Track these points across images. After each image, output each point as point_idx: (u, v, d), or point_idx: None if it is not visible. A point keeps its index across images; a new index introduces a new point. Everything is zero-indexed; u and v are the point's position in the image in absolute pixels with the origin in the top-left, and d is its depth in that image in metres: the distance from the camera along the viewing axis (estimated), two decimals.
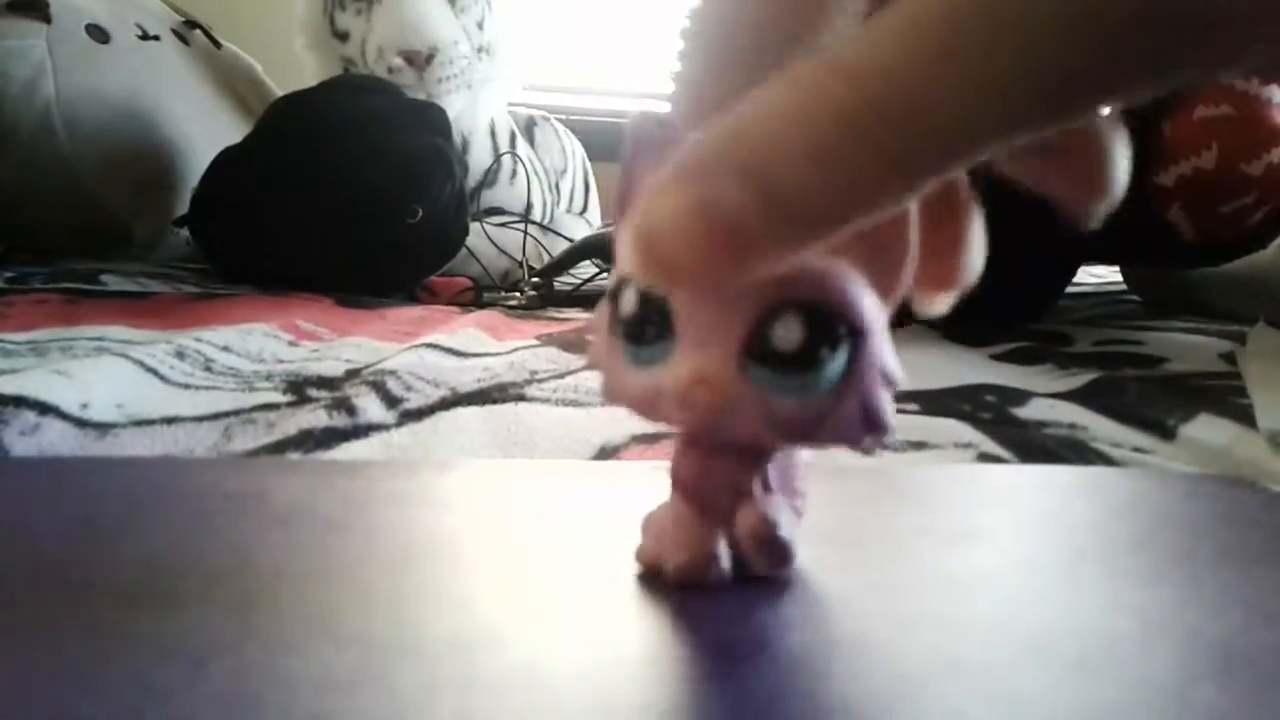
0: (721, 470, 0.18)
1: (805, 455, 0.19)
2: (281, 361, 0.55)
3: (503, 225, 1.16)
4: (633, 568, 0.19)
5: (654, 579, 0.18)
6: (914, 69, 0.12)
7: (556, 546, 0.20)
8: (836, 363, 0.16)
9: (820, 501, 0.24)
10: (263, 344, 0.58)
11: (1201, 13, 0.12)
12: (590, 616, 0.17)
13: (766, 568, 0.18)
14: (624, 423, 0.37)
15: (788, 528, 0.18)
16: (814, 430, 0.16)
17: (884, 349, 0.17)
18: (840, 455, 0.36)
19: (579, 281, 1.05)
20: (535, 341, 0.62)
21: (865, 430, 0.17)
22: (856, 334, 0.16)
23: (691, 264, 0.14)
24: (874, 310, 0.16)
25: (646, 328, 0.16)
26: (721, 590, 0.18)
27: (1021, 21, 0.12)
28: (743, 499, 0.18)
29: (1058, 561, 0.21)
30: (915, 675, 0.15)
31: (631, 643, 0.16)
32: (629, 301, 0.17)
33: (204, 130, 1.10)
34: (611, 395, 0.18)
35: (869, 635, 0.16)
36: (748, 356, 0.16)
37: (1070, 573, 0.20)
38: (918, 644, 0.16)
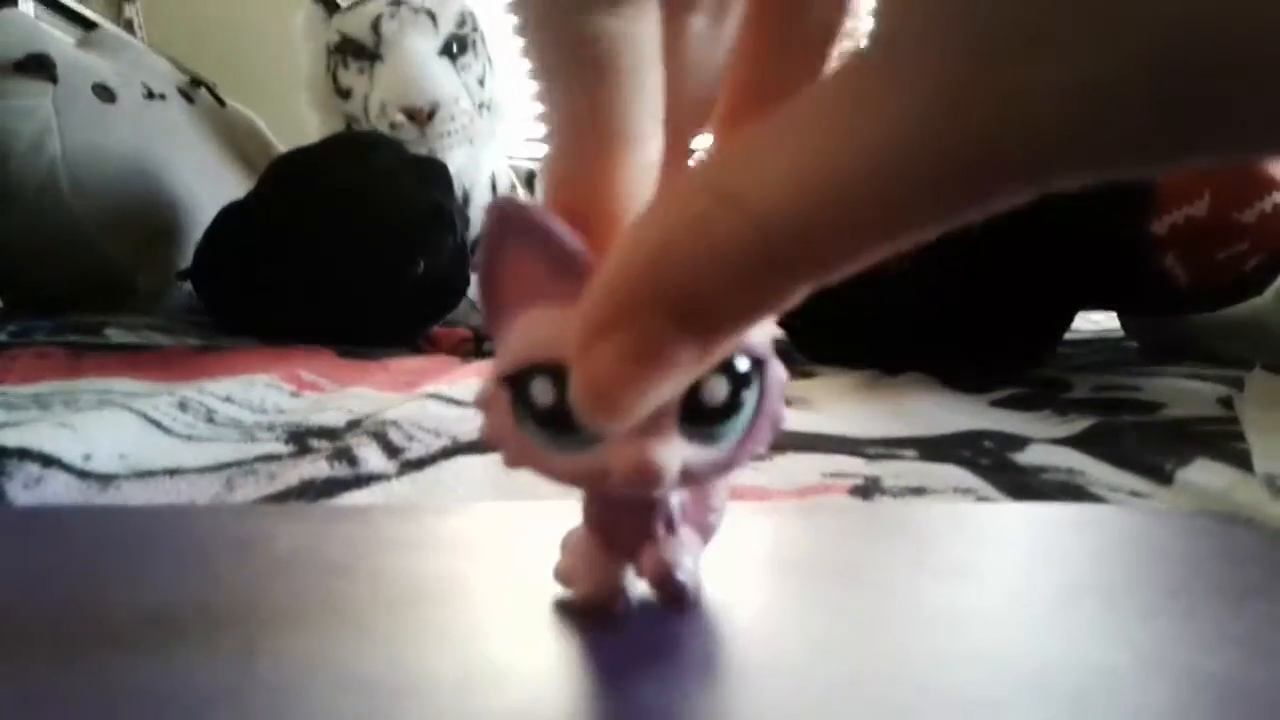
0: (627, 512, 0.18)
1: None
2: (283, 412, 0.55)
3: None
4: (631, 609, 0.19)
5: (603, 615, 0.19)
6: (808, 203, 0.13)
7: (555, 588, 0.20)
8: (753, 396, 0.17)
9: (815, 536, 0.24)
10: (265, 395, 0.58)
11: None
12: (591, 657, 0.17)
13: (669, 606, 0.19)
14: None
15: (688, 568, 0.19)
16: (741, 458, 0.17)
17: (776, 362, 0.18)
18: (837, 496, 0.36)
19: None
20: None
21: (772, 435, 0.18)
22: (760, 364, 0.17)
23: (638, 399, 0.15)
24: (759, 332, 0.17)
25: (569, 416, 0.16)
26: (713, 629, 0.18)
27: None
28: (644, 539, 0.18)
29: (1054, 597, 0.21)
30: (910, 711, 0.15)
31: (633, 684, 0.16)
32: (544, 392, 0.17)
33: (208, 186, 1.11)
34: (541, 474, 0.18)
35: (863, 671, 0.16)
36: (682, 420, 0.17)
37: (1066, 608, 0.20)
38: (912, 680, 0.16)
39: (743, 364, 0.17)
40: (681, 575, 0.18)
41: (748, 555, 0.23)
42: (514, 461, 0.18)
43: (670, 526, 0.19)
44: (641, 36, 0.16)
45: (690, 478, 0.17)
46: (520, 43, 0.17)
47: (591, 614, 0.19)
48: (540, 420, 0.17)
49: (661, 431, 0.16)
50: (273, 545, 0.23)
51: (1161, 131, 0.11)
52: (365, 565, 0.21)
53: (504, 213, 0.17)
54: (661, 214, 0.14)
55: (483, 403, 0.18)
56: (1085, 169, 0.12)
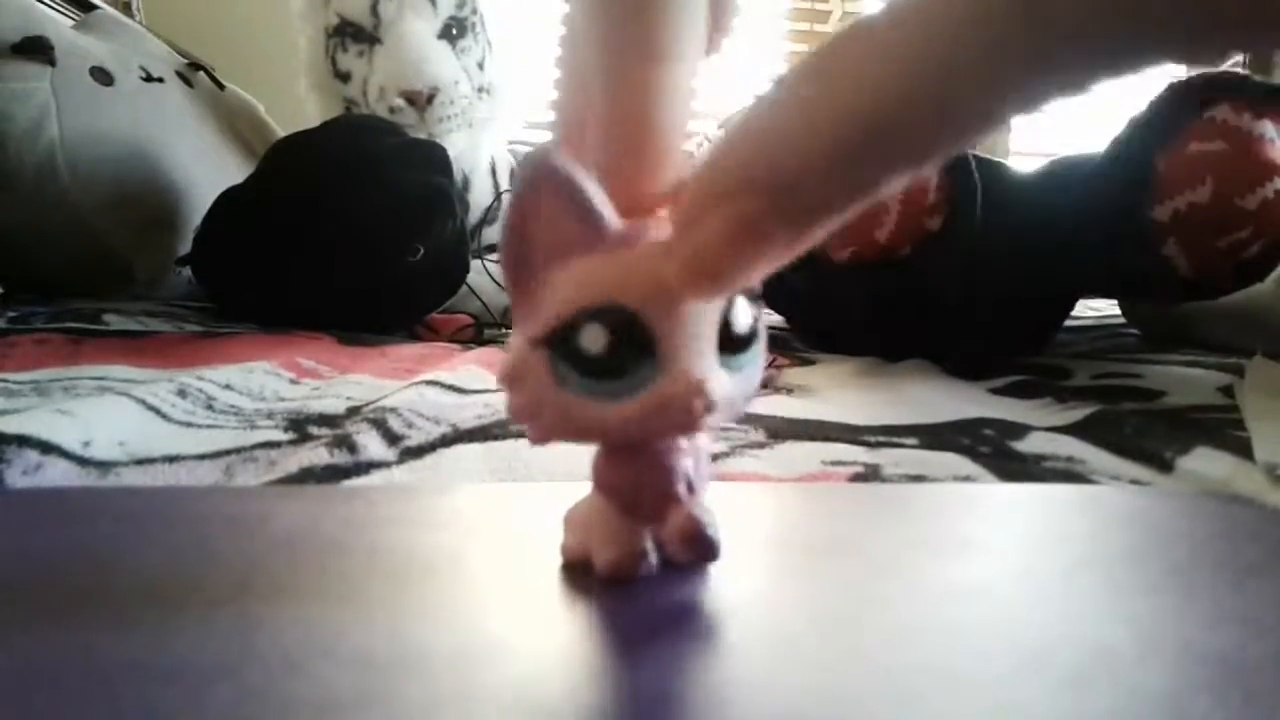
0: (649, 474, 0.19)
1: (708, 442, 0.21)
2: (283, 399, 0.55)
3: None
4: (634, 584, 0.19)
5: (586, 574, 0.19)
6: (904, 89, 0.14)
7: (555, 564, 0.20)
8: (760, 340, 0.18)
9: (817, 514, 0.24)
10: (264, 382, 0.58)
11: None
12: (590, 632, 0.17)
13: (695, 561, 0.19)
14: None
15: (715, 524, 0.19)
16: (751, 394, 0.19)
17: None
18: (838, 484, 0.36)
19: None
20: None
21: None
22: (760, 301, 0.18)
23: (737, 274, 0.16)
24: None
25: (623, 360, 0.17)
26: (715, 605, 0.18)
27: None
28: (670, 500, 0.19)
29: (1054, 574, 0.21)
30: (911, 687, 0.15)
31: (632, 659, 0.16)
32: (596, 339, 0.17)
33: (207, 170, 1.11)
34: (563, 433, 0.18)
35: (862, 647, 0.17)
36: (719, 353, 0.18)
37: (1067, 585, 0.20)
38: (913, 656, 0.16)
39: (750, 302, 0.18)
40: (711, 530, 0.19)
41: (749, 533, 0.23)
42: (549, 431, 0.18)
43: (690, 488, 0.19)
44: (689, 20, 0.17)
45: (728, 408, 0.18)
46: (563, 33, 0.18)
47: (616, 579, 0.19)
48: (589, 371, 0.17)
49: (707, 360, 0.17)
50: (270, 524, 0.23)
51: None
52: (363, 542, 0.21)
53: (539, 167, 0.17)
54: (766, 102, 0.16)
55: (512, 375, 0.18)
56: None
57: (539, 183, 0.17)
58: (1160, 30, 0.12)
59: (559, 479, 0.37)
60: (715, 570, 0.20)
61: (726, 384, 0.18)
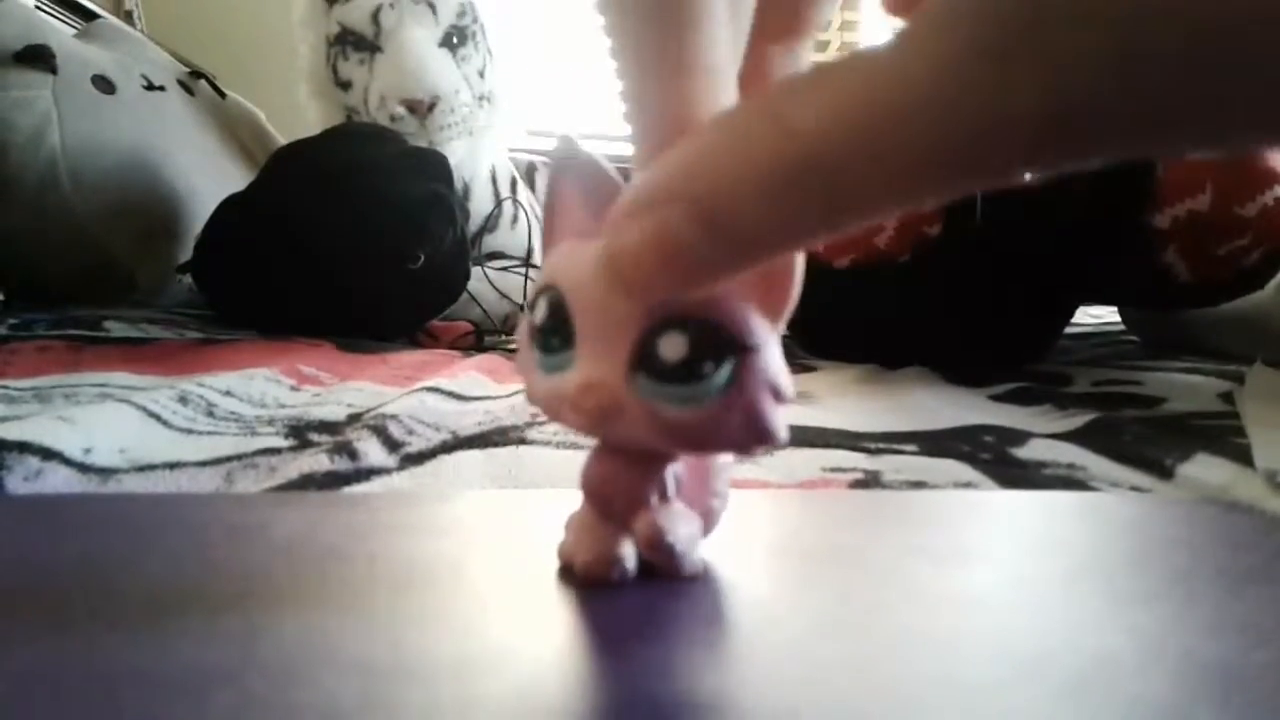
0: (622, 478, 0.19)
1: (726, 459, 0.21)
2: (283, 406, 0.55)
3: (504, 270, 1.16)
4: (627, 587, 0.19)
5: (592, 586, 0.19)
6: (843, 136, 0.14)
7: (555, 570, 0.20)
8: (720, 375, 0.17)
9: (817, 521, 0.24)
10: (265, 389, 0.58)
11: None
12: (590, 640, 0.17)
13: (664, 569, 0.19)
14: None
15: (680, 535, 0.19)
16: (699, 437, 0.18)
17: (772, 364, 0.18)
18: (838, 489, 0.36)
19: None
20: None
21: (752, 439, 0.18)
22: (741, 349, 0.17)
23: (650, 282, 0.16)
24: (760, 328, 0.18)
25: (552, 337, 0.18)
26: (714, 613, 0.18)
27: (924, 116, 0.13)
28: (639, 505, 0.19)
29: (1054, 582, 0.21)
30: (909, 695, 0.15)
31: (632, 666, 0.16)
32: (541, 311, 0.18)
33: (208, 178, 1.11)
34: (529, 398, 0.19)
35: (863, 655, 0.17)
36: (636, 368, 0.17)
37: (1067, 593, 0.20)
38: (913, 663, 0.16)
39: (712, 331, 0.17)
40: (671, 539, 0.19)
41: (749, 539, 0.23)
42: (521, 375, 0.19)
43: (663, 495, 0.19)
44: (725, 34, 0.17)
45: (637, 432, 0.18)
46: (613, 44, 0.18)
47: (590, 583, 0.19)
48: (538, 341, 0.18)
49: (616, 369, 0.18)
50: (270, 531, 0.23)
51: (1194, 97, 0.12)
52: (363, 550, 0.21)
53: (564, 152, 0.18)
54: (710, 125, 0.16)
55: (519, 332, 0.19)
56: (1116, 141, 0.12)
57: (562, 166, 0.18)
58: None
59: (559, 485, 0.37)
60: (715, 577, 0.20)
61: (642, 403, 0.17)
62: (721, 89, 0.17)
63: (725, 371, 0.17)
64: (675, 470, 0.19)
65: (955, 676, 0.16)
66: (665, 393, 0.17)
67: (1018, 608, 0.19)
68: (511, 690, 0.15)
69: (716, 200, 0.15)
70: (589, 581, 0.19)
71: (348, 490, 0.37)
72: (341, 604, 0.18)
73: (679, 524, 0.19)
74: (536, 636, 0.17)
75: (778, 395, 0.18)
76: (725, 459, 0.21)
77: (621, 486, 0.19)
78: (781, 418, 0.18)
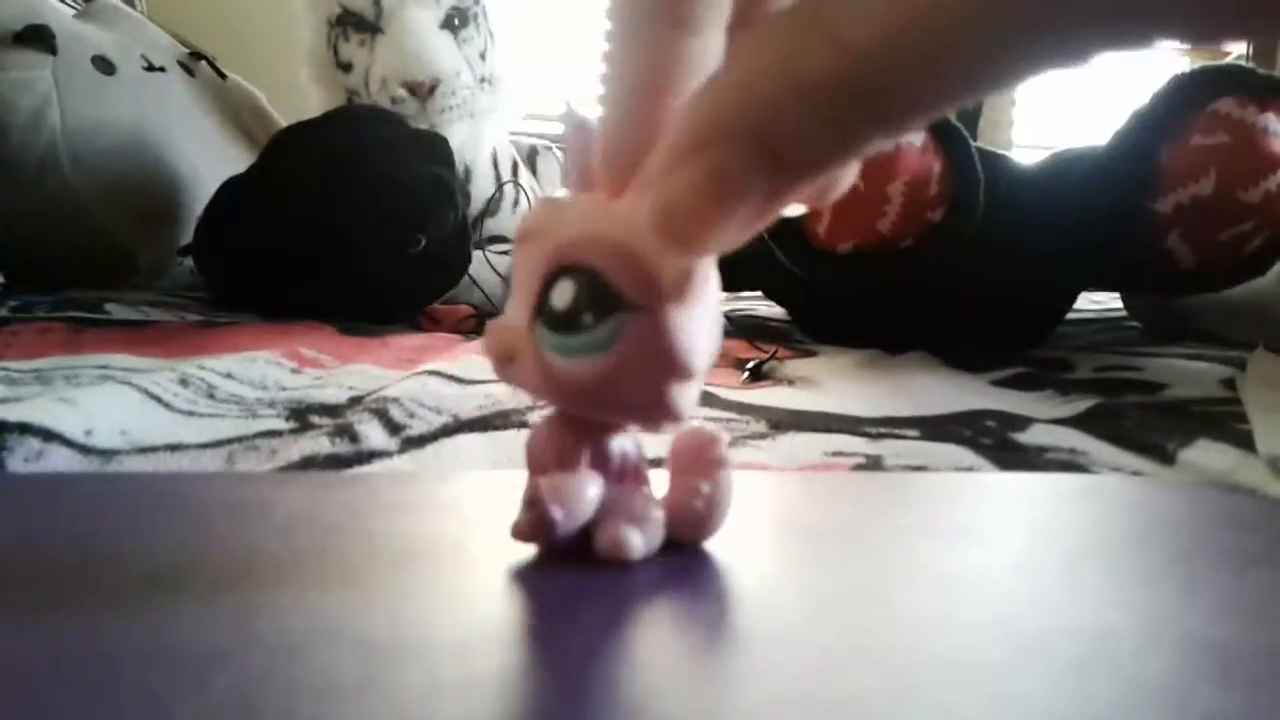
0: (549, 442, 0.19)
1: (716, 459, 0.21)
2: (284, 389, 0.55)
3: (505, 253, 1.16)
4: (635, 570, 0.19)
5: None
6: (902, 45, 0.13)
7: (554, 550, 0.20)
8: (600, 331, 0.17)
9: (818, 503, 0.24)
10: (266, 371, 0.58)
11: None
12: (590, 619, 0.17)
13: (540, 534, 0.19)
14: None
15: (575, 502, 0.19)
16: (585, 395, 0.18)
17: (672, 332, 0.17)
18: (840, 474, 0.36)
19: None
20: None
21: (642, 409, 0.18)
22: (626, 307, 0.17)
23: (710, 229, 0.15)
24: (656, 290, 0.17)
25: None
26: (717, 591, 0.18)
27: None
28: (557, 467, 0.19)
29: (1057, 564, 0.21)
30: (912, 675, 0.15)
31: (632, 643, 0.16)
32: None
33: (209, 160, 1.11)
34: None
35: (864, 635, 0.17)
36: (536, 315, 0.18)
37: (1069, 574, 0.20)
38: (914, 644, 0.16)
39: (602, 284, 0.17)
40: (547, 498, 0.19)
41: (751, 521, 0.23)
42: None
43: (570, 460, 0.19)
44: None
45: (535, 383, 0.18)
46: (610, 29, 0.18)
47: (523, 540, 0.19)
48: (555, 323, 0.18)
49: (520, 311, 0.18)
50: (271, 510, 0.23)
51: None
52: (363, 528, 0.21)
53: (572, 127, 0.18)
54: (752, 48, 0.15)
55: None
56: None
57: (580, 142, 0.18)
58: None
59: None
60: (716, 558, 0.20)
61: (531, 350, 0.18)
62: (703, 42, 0.17)
63: (606, 329, 0.17)
64: (623, 446, 0.20)
65: (957, 657, 0.16)
66: (551, 342, 0.18)
67: (1019, 589, 0.19)
68: (511, 667, 0.15)
69: (776, 129, 0.14)
70: (521, 539, 0.19)
71: (348, 473, 0.37)
72: (341, 582, 0.18)
73: (573, 490, 0.19)
74: (536, 615, 0.17)
75: (673, 368, 0.17)
76: (713, 460, 0.20)
77: (547, 449, 0.19)
78: (680, 394, 0.18)
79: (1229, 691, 0.15)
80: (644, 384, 0.17)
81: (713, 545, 0.20)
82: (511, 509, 0.23)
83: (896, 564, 0.20)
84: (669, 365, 0.17)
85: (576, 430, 0.19)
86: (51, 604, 0.17)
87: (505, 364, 0.18)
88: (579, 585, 0.19)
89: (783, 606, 0.18)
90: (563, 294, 0.17)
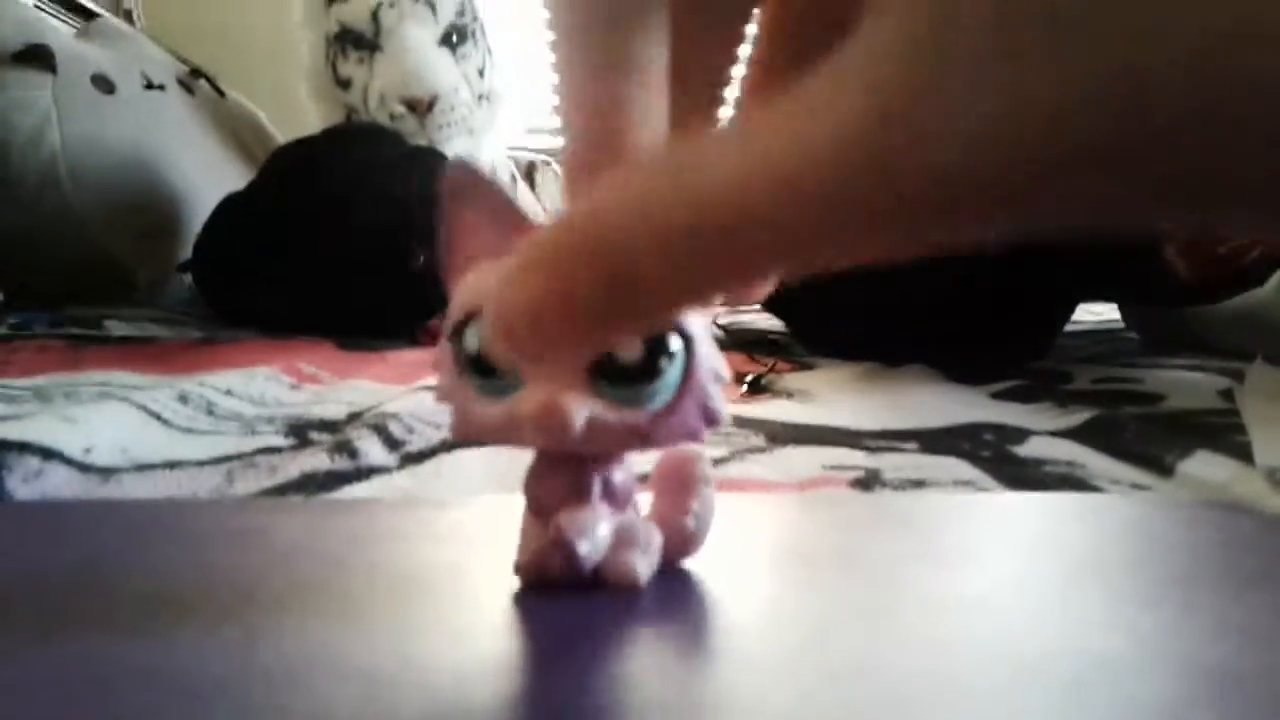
0: (553, 479, 0.19)
1: (699, 478, 0.21)
2: (283, 405, 0.55)
3: None
4: (634, 597, 0.19)
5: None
6: (744, 205, 0.13)
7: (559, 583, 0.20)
8: (675, 368, 0.18)
9: (817, 525, 0.24)
10: (265, 388, 0.58)
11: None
12: (588, 647, 0.17)
13: (566, 570, 0.19)
14: None
15: (588, 535, 0.19)
16: (661, 432, 0.18)
17: (710, 350, 0.18)
18: (839, 495, 0.36)
19: None
20: None
21: (703, 424, 0.18)
22: (687, 341, 0.18)
23: (548, 347, 0.15)
24: (697, 318, 0.18)
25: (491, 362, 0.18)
26: (715, 615, 0.18)
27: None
28: (567, 505, 0.19)
29: (1054, 585, 0.21)
30: (909, 697, 0.15)
31: (629, 673, 0.16)
32: (473, 340, 0.18)
33: (208, 177, 1.11)
34: (463, 429, 0.19)
35: (862, 657, 0.16)
36: (595, 376, 0.17)
37: (1066, 596, 0.20)
38: (911, 666, 0.16)
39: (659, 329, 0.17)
40: (572, 535, 0.19)
41: (748, 545, 0.23)
42: (456, 420, 0.19)
43: (584, 495, 0.19)
44: (659, 40, 0.17)
45: (602, 437, 0.18)
46: (550, 40, 0.18)
47: (528, 583, 0.19)
48: (474, 368, 0.18)
49: (571, 381, 0.17)
50: (271, 538, 0.23)
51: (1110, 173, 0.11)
52: (363, 557, 0.21)
53: (455, 175, 0.18)
54: (612, 185, 0.15)
55: (435, 362, 0.19)
56: (1003, 212, 0.12)
57: (456, 188, 0.18)
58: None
59: None
60: (715, 582, 0.20)
61: (598, 410, 0.17)
62: (654, 95, 0.17)
63: (679, 363, 0.18)
64: (623, 474, 0.20)
65: (956, 679, 0.16)
66: (626, 396, 0.18)
67: (1017, 611, 0.19)
68: (511, 697, 0.15)
69: (617, 256, 0.14)
70: (527, 582, 0.19)
71: (348, 489, 0.37)
72: (342, 612, 0.18)
73: (592, 525, 0.19)
74: (534, 643, 0.17)
75: (718, 378, 0.18)
76: (699, 478, 0.21)
77: (554, 487, 0.19)
78: (724, 398, 0.18)
79: (1227, 713, 0.15)
80: (704, 401, 0.18)
81: (709, 570, 0.20)
82: (509, 536, 0.23)
83: (893, 587, 0.20)
84: (717, 377, 0.18)
85: (585, 464, 0.19)
86: (53, 631, 0.17)
87: (572, 434, 0.17)
88: (577, 614, 0.19)
89: (780, 630, 0.18)
90: (630, 350, 0.17)
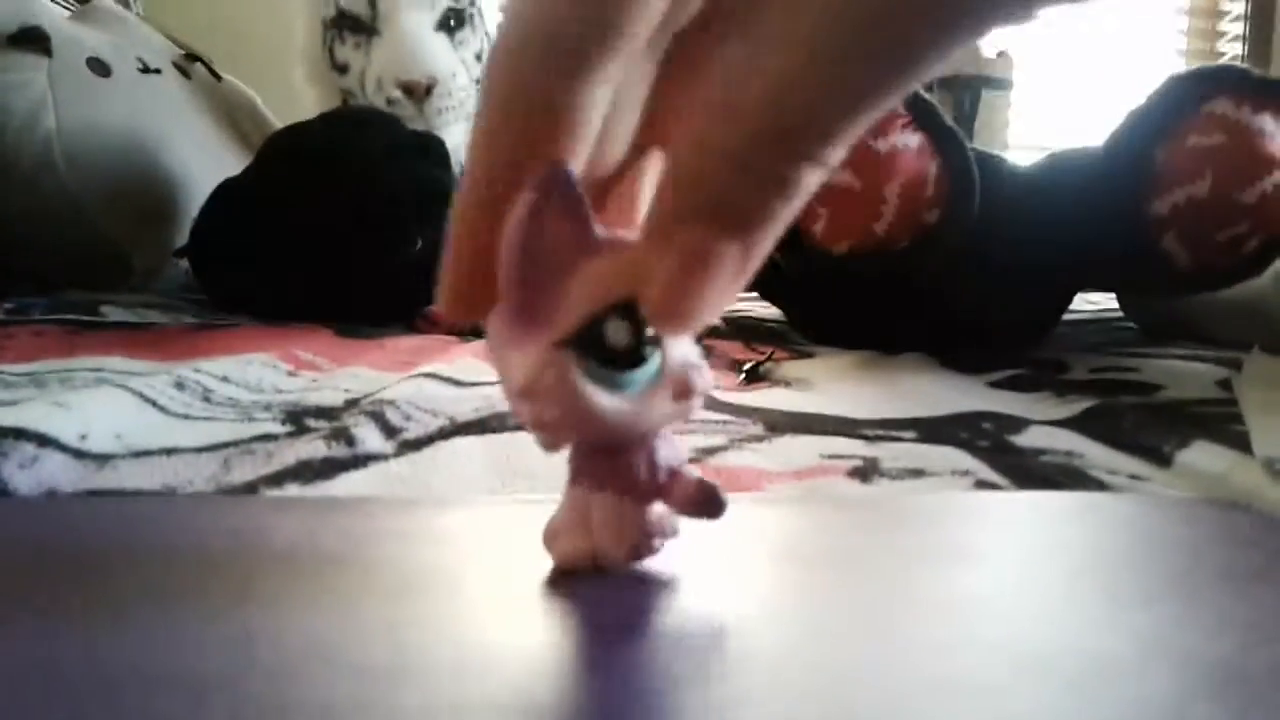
0: (641, 457, 0.20)
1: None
2: (280, 392, 0.55)
3: None
4: (625, 593, 0.19)
5: (575, 580, 0.20)
6: (789, 75, 0.16)
7: (549, 577, 0.20)
8: (657, 354, 0.19)
9: (815, 526, 0.24)
10: (261, 374, 0.58)
11: None
12: (586, 645, 0.17)
13: (712, 516, 0.20)
14: None
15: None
16: (625, 423, 0.19)
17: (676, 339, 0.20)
18: (836, 484, 0.36)
19: None
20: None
21: (687, 401, 0.19)
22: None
23: (705, 306, 0.17)
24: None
25: (641, 349, 0.18)
26: (713, 616, 0.18)
27: None
28: (653, 481, 0.20)
29: (1054, 584, 0.21)
30: (909, 696, 0.15)
31: (627, 667, 0.16)
32: (620, 333, 0.18)
33: (204, 162, 1.11)
34: (587, 427, 0.19)
35: (863, 657, 0.16)
36: (595, 364, 0.18)
37: (1066, 594, 0.20)
38: (912, 665, 0.16)
39: (638, 314, 0.18)
40: (657, 532, 0.20)
41: (746, 545, 0.23)
42: (572, 431, 0.19)
43: (655, 480, 0.20)
44: (603, 96, 0.18)
45: (607, 425, 0.18)
46: (487, 79, 0.19)
47: (636, 561, 0.20)
48: (615, 363, 0.18)
49: (685, 347, 0.19)
50: (269, 536, 0.23)
51: None
52: (361, 556, 0.21)
53: (552, 179, 0.18)
54: (675, 151, 0.17)
55: (533, 385, 0.18)
56: None
57: (550, 194, 0.18)
58: None
59: (556, 471, 0.37)
60: (712, 582, 0.20)
61: (607, 399, 0.18)
62: (579, 137, 0.18)
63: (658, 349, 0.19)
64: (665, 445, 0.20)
65: (954, 678, 0.15)
66: (609, 379, 0.19)
67: (1017, 610, 0.19)
68: (508, 692, 0.15)
69: (725, 202, 0.16)
70: (634, 561, 0.20)
71: (345, 476, 0.37)
72: (339, 608, 0.18)
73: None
74: (532, 640, 0.17)
75: (682, 360, 0.20)
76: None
77: (647, 467, 0.20)
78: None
79: (1228, 709, 0.15)
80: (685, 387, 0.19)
81: (705, 569, 0.20)
82: (508, 537, 0.23)
83: (892, 587, 0.20)
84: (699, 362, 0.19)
85: (644, 446, 0.20)
86: (49, 626, 0.17)
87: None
88: (575, 610, 0.19)
89: (778, 629, 0.18)
90: (617, 333, 0.18)
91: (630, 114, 0.21)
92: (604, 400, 0.18)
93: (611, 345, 0.18)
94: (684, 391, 0.19)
